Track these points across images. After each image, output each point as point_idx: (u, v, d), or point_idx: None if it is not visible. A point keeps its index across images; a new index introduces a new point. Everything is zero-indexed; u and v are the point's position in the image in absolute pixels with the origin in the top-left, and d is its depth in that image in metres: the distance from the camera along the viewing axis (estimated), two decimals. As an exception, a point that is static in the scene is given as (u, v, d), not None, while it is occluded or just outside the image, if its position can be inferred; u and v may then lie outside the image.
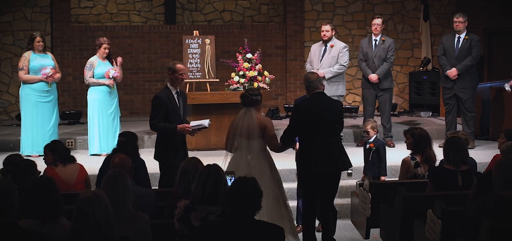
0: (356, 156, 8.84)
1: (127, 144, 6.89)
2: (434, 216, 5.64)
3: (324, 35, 10.21)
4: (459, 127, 10.37)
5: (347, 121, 12.23)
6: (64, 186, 6.34)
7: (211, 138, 10.35)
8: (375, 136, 8.24)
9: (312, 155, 6.71)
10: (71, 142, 10.46)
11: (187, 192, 5.42)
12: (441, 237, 5.53)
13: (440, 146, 10.05)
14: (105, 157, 7.15)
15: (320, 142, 6.71)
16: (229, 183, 5.29)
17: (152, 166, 9.23)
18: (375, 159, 8.11)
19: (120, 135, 7.21)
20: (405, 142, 7.26)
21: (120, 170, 5.25)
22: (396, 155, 9.38)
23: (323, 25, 10.38)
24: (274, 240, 4.46)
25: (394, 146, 10.50)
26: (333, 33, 10.33)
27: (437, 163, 6.93)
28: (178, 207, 5.02)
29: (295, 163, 7.41)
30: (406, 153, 7.30)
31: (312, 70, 9.79)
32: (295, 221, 7.50)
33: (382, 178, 8.07)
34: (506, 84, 10.60)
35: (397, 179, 7.74)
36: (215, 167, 5.04)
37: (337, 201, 8.55)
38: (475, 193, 5.42)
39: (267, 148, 7.18)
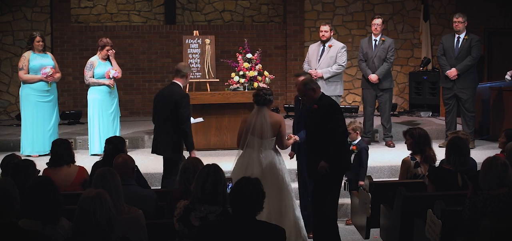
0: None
1: (115, 151, 6.51)
2: (434, 216, 5.64)
3: (323, 35, 10.21)
4: (459, 127, 10.36)
5: (347, 121, 12.22)
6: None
7: (211, 138, 10.35)
8: (359, 139, 8.13)
9: (345, 153, 6.97)
10: (71, 142, 10.45)
11: (187, 192, 5.43)
12: (441, 237, 5.54)
13: (440, 146, 10.07)
14: (94, 164, 7.01)
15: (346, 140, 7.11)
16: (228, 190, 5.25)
17: (153, 165, 9.25)
18: (356, 162, 8.03)
19: (106, 142, 6.89)
20: (405, 143, 7.26)
21: (109, 168, 5.27)
22: (396, 155, 9.39)
23: (322, 25, 10.38)
24: (275, 241, 4.46)
25: (394, 146, 10.51)
26: (332, 34, 10.33)
27: (437, 163, 6.94)
28: (177, 207, 5.03)
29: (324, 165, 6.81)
30: (406, 153, 7.30)
31: (309, 70, 9.87)
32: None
33: (361, 183, 7.90)
34: (507, 73, 10.60)
35: (397, 179, 7.74)
36: (215, 166, 5.04)
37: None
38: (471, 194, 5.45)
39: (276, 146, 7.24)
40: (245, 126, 7.13)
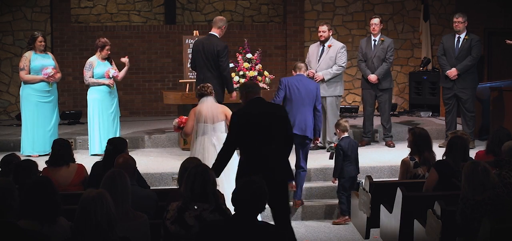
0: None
1: (115, 152, 6.46)
2: (434, 216, 5.64)
3: (321, 35, 10.21)
4: (459, 127, 10.37)
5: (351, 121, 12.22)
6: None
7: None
8: (343, 135, 8.14)
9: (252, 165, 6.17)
10: (71, 142, 10.45)
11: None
12: (441, 237, 5.54)
13: (440, 146, 10.07)
14: (93, 164, 7.01)
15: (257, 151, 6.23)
16: None
17: (152, 166, 9.26)
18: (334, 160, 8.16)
19: (108, 142, 6.86)
20: (407, 139, 7.29)
21: (120, 169, 5.25)
22: (396, 155, 9.39)
23: (320, 25, 10.39)
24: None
25: (394, 146, 10.50)
26: (331, 34, 10.32)
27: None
28: (169, 210, 5.00)
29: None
30: (406, 153, 7.30)
31: (309, 72, 9.92)
32: None
33: (332, 180, 8.18)
34: None
35: (397, 179, 7.74)
36: (203, 166, 5.08)
37: (336, 201, 8.54)
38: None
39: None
40: (197, 115, 7.70)
